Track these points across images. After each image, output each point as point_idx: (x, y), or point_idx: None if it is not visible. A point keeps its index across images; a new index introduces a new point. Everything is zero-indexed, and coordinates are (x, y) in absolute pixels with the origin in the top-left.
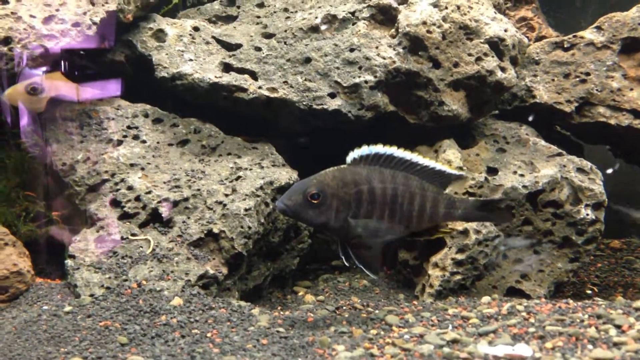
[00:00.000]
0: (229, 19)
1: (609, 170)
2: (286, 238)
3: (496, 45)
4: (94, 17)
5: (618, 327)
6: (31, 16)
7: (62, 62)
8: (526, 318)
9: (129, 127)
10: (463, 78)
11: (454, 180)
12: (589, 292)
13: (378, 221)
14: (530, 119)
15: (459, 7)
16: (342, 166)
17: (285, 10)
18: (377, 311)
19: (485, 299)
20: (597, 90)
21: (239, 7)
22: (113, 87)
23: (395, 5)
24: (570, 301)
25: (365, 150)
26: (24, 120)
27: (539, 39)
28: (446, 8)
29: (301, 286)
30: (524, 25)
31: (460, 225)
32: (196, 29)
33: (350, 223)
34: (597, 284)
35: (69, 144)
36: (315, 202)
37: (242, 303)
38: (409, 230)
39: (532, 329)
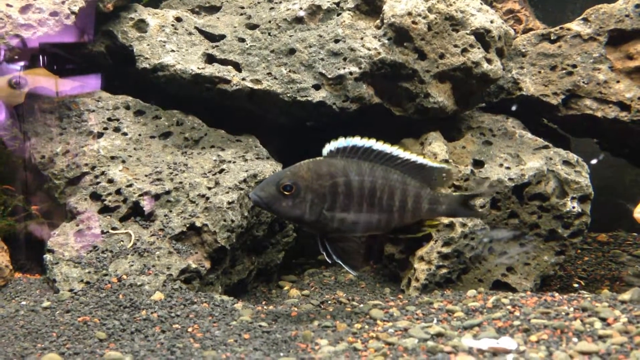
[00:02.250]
0: (213, 9)
1: (594, 161)
2: (271, 232)
3: (482, 37)
4: (73, 6)
5: (603, 320)
6: (7, 5)
7: (41, 53)
8: (511, 311)
9: (109, 119)
10: (449, 70)
11: (438, 174)
12: (575, 285)
13: (355, 215)
14: (514, 108)
15: None
16: (318, 158)
17: (270, 0)
18: (361, 305)
19: (471, 292)
20: (583, 82)
21: None
22: (93, 82)
23: None
24: (556, 294)
25: (342, 142)
26: (2, 114)
27: (526, 31)
28: None
29: (286, 280)
30: (512, 18)
31: (445, 219)
32: (179, 19)
33: (326, 216)
34: (583, 277)
35: (48, 136)
36: (287, 193)
37: (225, 297)
38: (390, 226)
39: (517, 322)
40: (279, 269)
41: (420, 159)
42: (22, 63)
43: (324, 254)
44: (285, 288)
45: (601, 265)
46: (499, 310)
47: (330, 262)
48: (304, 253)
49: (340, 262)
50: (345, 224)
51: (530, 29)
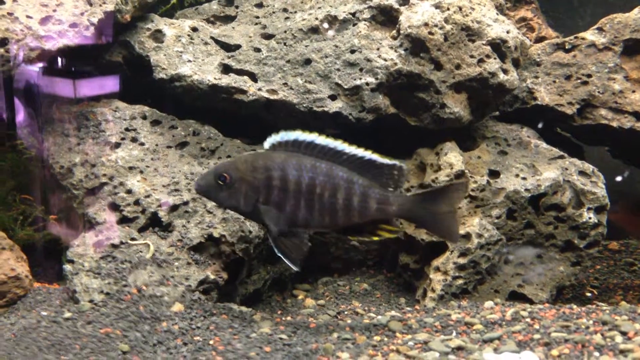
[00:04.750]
0: (228, 19)
1: (619, 178)
2: None
3: (498, 47)
4: (92, 18)
5: (624, 333)
6: (28, 17)
7: (60, 63)
8: (530, 324)
9: (127, 129)
10: (465, 80)
11: (389, 171)
12: (588, 294)
13: (292, 210)
14: (529, 118)
15: (460, 9)
16: (260, 150)
17: (285, 10)
18: (379, 317)
19: (488, 303)
20: (598, 92)
21: (237, 7)
22: (111, 84)
23: (396, 6)
24: (574, 306)
25: (283, 135)
26: (22, 120)
27: (539, 39)
28: (448, 9)
29: (300, 289)
30: (524, 26)
31: (462, 229)
32: (194, 29)
33: (261, 209)
34: (596, 286)
35: (66, 146)
36: (222, 183)
37: (244, 308)
38: (336, 224)
39: (537, 336)
40: (292, 278)
41: (368, 155)
42: (40, 65)
43: (273, 246)
44: (300, 297)
45: (613, 274)
46: (519, 323)
47: (278, 254)
48: (316, 260)
49: (281, 256)
50: (280, 218)
51: (543, 37)
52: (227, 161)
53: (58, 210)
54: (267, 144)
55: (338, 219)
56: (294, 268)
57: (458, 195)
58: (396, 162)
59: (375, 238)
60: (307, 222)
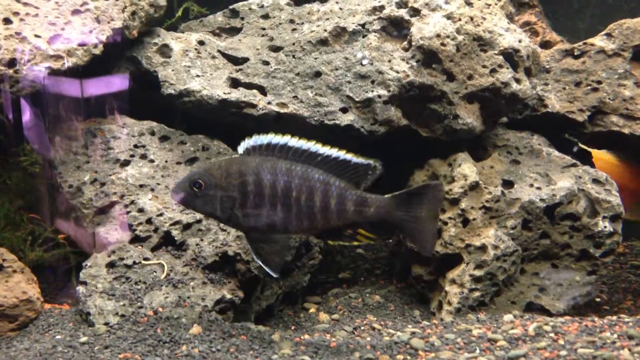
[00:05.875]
0: (233, 30)
1: None
2: (297, 255)
3: (511, 57)
4: (100, 36)
5: None
6: (36, 36)
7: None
8: (555, 339)
9: (135, 146)
10: (477, 90)
11: (364, 171)
12: (598, 300)
13: (269, 215)
14: (539, 126)
15: (472, 19)
16: (234, 156)
17: (291, 22)
18: (399, 333)
19: (508, 317)
20: (609, 98)
21: (242, 19)
22: (119, 82)
23: (407, 17)
24: (596, 319)
25: (257, 139)
26: (26, 114)
27: (543, 43)
28: (460, 20)
29: (311, 302)
30: (528, 30)
31: (477, 241)
32: (201, 42)
33: (237, 215)
34: (604, 290)
35: (74, 164)
36: (197, 190)
37: (261, 328)
38: (315, 227)
39: (563, 352)
40: (303, 291)
41: (342, 155)
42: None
43: (253, 254)
44: (311, 311)
45: (620, 278)
46: (543, 339)
47: (257, 260)
48: (324, 270)
49: (260, 263)
50: (259, 223)
51: (548, 42)
52: (201, 167)
53: (66, 228)
54: (240, 148)
55: (317, 222)
56: (274, 275)
57: (435, 196)
58: (371, 161)
59: (355, 243)
60: (285, 227)
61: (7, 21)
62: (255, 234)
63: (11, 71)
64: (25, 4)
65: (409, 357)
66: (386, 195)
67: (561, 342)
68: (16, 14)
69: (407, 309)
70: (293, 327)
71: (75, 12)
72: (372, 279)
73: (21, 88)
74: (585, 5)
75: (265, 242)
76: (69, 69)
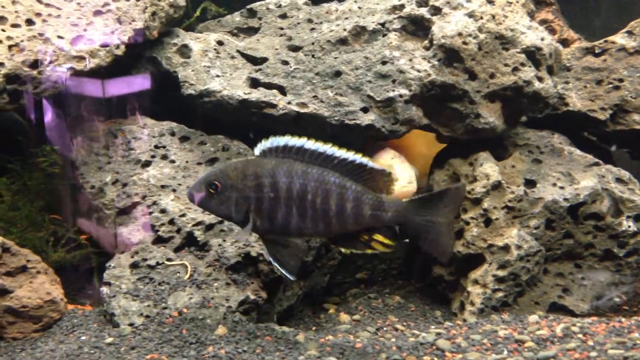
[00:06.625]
0: (251, 30)
1: None
2: (318, 256)
3: (533, 55)
4: (122, 36)
5: None
6: (59, 37)
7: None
8: (584, 340)
9: (156, 147)
10: (499, 89)
11: (378, 176)
12: (617, 299)
13: (285, 218)
14: (560, 125)
15: (494, 17)
16: (250, 157)
17: (310, 21)
18: (424, 334)
19: (533, 318)
20: (631, 96)
21: (260, 19)
22: (140, 83)
23: (428, 16)
24: (623, 319)
25: (274, 141)
26: (48, 114)
27: (561, 41)
28: (481, 18)
29: (330, 303)
30: (546, 28)
31: (500, 241)
32: (220, 42)
33: (253, 217)
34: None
35: (96, 165)
36: (213, 192)
37: (285, 329)
38: (331, 231)
39: (593, 354)
40: (323, 291)
41: (358, 158)
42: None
43: (269, 256)
44: (331, 311)
45: (637, 277)
46: (571, 340)
47: (273, 263)
48: (342, 270)
49: (277, 265)
50: (274, 225)
51: (565, 39)
52: (218, 169)
53: (88, 229)
54: (257, 150)
55: (332, 226)
56: (290, 277)
57: (456, 200)
58: (385, 168)
59: (369, 251)
60: (300, 230)
61: (29, 22)
62: (271, 236)
63: (35, 72)
64: (48, 4)
65: (435, 359)
66: (404, 199)
67: (590, 343)
68: (38, 14)
69: (428, 310)
70: (314, 328)
71: (97, 12)
72: (390, 279)
73: (44, 89)
74: (600, 2)
75: (281, 244)
76: (91, 70)
